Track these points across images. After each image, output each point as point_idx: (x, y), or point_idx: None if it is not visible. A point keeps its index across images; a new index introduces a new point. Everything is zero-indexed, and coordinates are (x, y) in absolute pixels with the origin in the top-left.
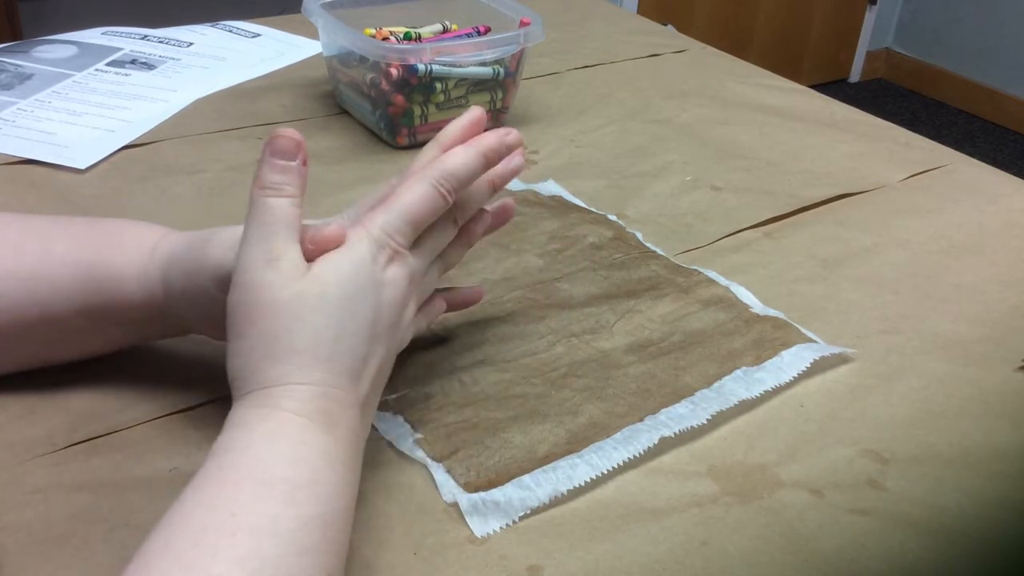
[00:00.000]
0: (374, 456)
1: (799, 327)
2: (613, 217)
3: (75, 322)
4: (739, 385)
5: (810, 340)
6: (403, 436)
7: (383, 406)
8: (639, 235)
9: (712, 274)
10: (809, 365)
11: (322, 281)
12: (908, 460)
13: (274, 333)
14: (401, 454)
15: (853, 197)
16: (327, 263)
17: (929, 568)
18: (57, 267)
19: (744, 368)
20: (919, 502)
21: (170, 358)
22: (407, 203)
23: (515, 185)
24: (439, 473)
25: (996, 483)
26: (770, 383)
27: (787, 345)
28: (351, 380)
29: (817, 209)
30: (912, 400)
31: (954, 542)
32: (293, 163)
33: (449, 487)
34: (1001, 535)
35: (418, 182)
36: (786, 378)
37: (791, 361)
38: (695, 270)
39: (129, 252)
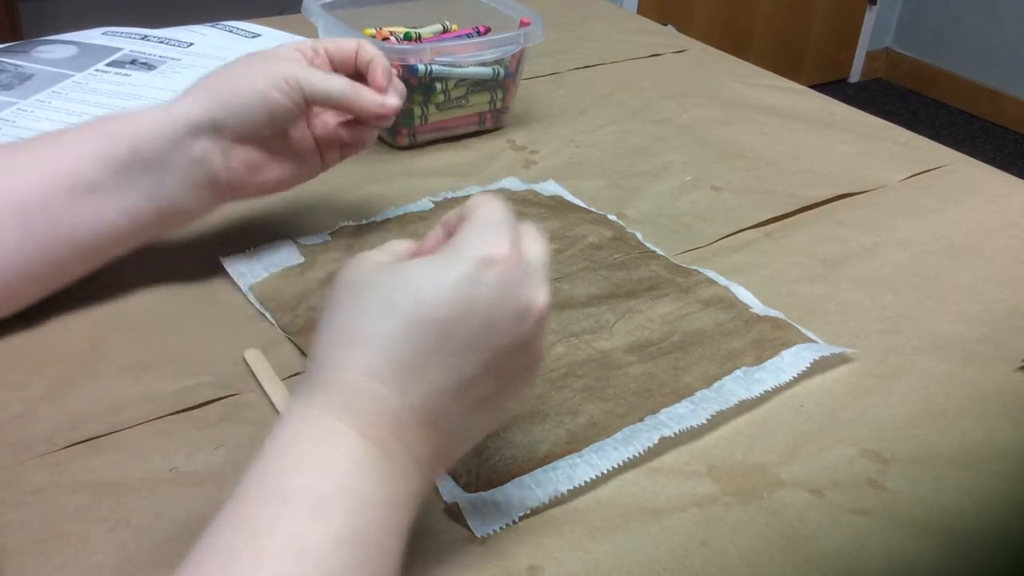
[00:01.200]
0: None
1: (799, 327)
2: (613, 217)
3: (97, 176)
4: (739, 385)
5: (810, 340)
6: None
7: None
8: (639, 235)
9: (712, 274)
10: (809, 365)
11: (404, 273)
12: (908, 460)
13: (340, 323)
14: None
15: (853, 197)
16: (423, 261)
17: (929, 568)
18: (75, 135)
19: (744, 368)
20: (919, 502)
21: (170, 358)
22: (488, 210)
23: (515, 185)
24: (439, 474)
25: (996, 483)
26: (770, 383)
27: (787, 345)
28: (405, 379)
29: (817, 209)
30: (912, 400)
31: (954, 542)
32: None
33: (449, 487)
34: (1001, 535)
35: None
36: (786, 378)
37: (791, 361)
38: (695, 270)
39: (144, 110)
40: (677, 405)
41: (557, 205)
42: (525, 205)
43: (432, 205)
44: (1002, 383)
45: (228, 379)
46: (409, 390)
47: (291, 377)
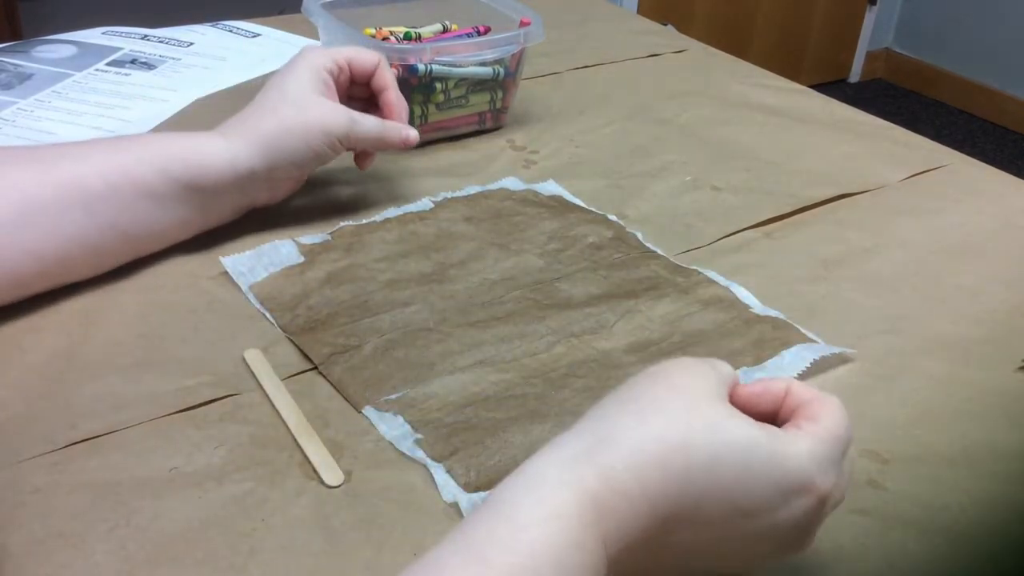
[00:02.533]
0: (374, 456)
1: (799, 327)
2: (613, 217)
3: (160, 187)
4: None
5: (810, 340)
6: (403, 436)
7: (383, 406)
8: (639, 235)
9: (712, 274)
10: (809, 365)
11: (743, 431)
12: (908, 460)
13: (657, 407)
14: (401, 454)
15: (853, 197)
16: (755, 430)
17: (929, 568)
18: (139, 144)
19: (744, 368)
20: (919, 502)
21: (170, 358)
22: (842, 438)
23: (515, 185)
24: (439, 473)
25: (996, 483)
26: None
27: (787, 345)
28: (666, 528)
29: (817, 209)
30: (912, 400)
31: (954, 542)
32: None
33: (449, 487)
34: (1001, 535)
35: (837, 409)
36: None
37: (791, 361)
38: (695, 270)
39: (204, 140)
40: None
41: (557, 205)
42: (525, 205)
43: (432, 205)
44: (1002, 383)
45: (228, 379)
46: (665, 530)
47: (291, 377)
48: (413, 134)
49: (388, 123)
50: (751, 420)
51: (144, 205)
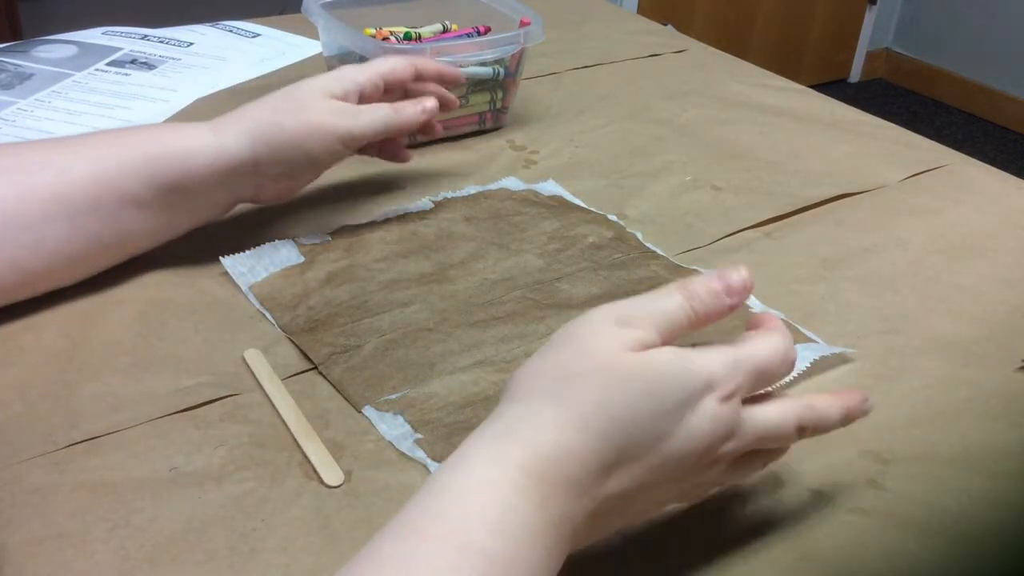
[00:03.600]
0: (374, 456)
1: (799, 327)
2: (613, 217)
3: (145, 196)
4: None
5: (810, 340)
6: (403, 436)
7: (383, 406)
8: (639, 235)
9: None
10: (809, 365)
11: (650, 364)
12: (908, 460)
13: (570, 380)
14: (401, 454)
15: (853, 197)
16: (665, 356)
17: (929, 568)
18: (123, 147)
19: None
20: (919, 502)
21: (170, 358)
22: (758, 355)
23: (515, 185)
24: None
25: (996, 483)
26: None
27: None
28: (600, 471)
29: (817, 209)
30: (912, 400)
31: (954, 542)
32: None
33: None
34: (1001, 535)
35: (776, 338)
36: (786, 378)
37: None
38: (695, 270)
39: (190, 135)
40: None
41: (557, 205)
42: (525, 205)
43: (432, 205)
44: (1002, 383)
45: (228, 379)
46: (601, 484)
47: (291, 377)
48: (430, 103)
49: (400, 104)
50: (664, 347)
51: (129, 214)
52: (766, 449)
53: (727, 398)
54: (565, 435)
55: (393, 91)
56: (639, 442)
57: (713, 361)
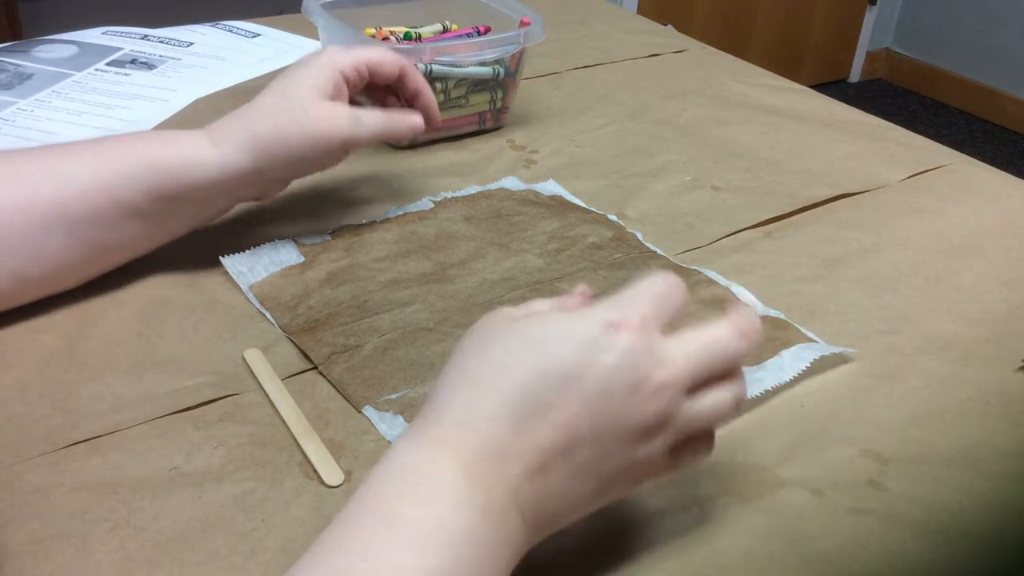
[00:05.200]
0: (374, 456)
1: (799, 327)
2: (613, 217)
3: (147, 207)
4: None
5: (810, 340)
6: None
7: (383, 406)
8: (639, 235)
9: (712, 274)
10: (809, 365)
11: (532, 319)
12: (908, 460)
13: (457, 353)
14: None
15: (853, 197)
16: (550, 313)
17: (929, 568)
18: (123, 157)
19: (744, 368)
20: (919, 502)
21: (170, 358)
22: (653, 287)
23: (515, 185)
24: None
25: (996, 483)
26: (770, 383)
27: (787, 345)
28: (513, 422)
29: (817, 209)
30: (912, 400)
31: (954, 542)
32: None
33: None
34: (1001, 535)
35: (666, 276)
36: (786, 378)
37: (791, 361)
38: (695, 270)
39: (191, 147)
40: None
41: (557, 205)
42: (525, 205)
43: (432, 205)
44: (1002, 383)
45: (228, 379)
46: (520, 435)
47: (291, 377)
48: (416, 122)
49: (394, 115)
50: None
51: (129, 223)
52: (705, 430)
53: (635, 329)
54: (460, 395)
55: (377, 85)
56: (542, 386)
57: (604, 306)
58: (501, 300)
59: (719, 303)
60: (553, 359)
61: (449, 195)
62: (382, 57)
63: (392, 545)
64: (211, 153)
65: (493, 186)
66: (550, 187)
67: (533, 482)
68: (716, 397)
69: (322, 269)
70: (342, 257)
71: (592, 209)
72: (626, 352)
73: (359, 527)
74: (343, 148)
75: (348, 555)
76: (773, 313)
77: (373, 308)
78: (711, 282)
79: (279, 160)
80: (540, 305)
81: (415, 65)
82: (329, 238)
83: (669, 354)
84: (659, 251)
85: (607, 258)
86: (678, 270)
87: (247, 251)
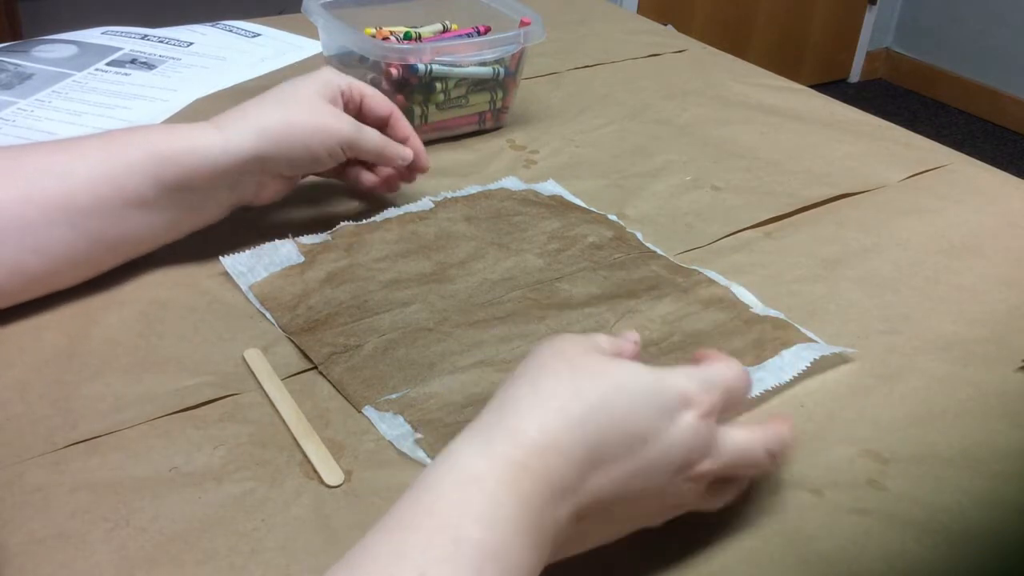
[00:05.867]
0: (374, 456)
1: (799, 327)
2: (613, 217)
3: (149, 195)
4: None
5: (810, 340)
6: (404, 436)
7: (383, 406)
8: (639, 235)
9: (712, 274)
10: (809, 365)
11: (622, 366)
12: (908, 460)
13: (545, 375)
14: (401, 454)
15: (853, 197)
16: (636, 366)
17: (929, 568)
18: (127, 147)
19: (746, 367)
20: (919, 502)
21: (170, 358)
22: (727, 376)
23: (515, 185)
24: None
25: (996, 483)
26: (770, 382)
27: (787, 345)
28: (581, 464)
29: (817, 209)
30: (912, 400)
31: (954, 542)
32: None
33: None
34: (1001, 535)
35: (736, 367)
36: (786, 377)
37: (791, 361)
38: (695, 270)
39: (195, 134)
40: None
41: (557, 205)
42: (525, 205)
43: (432, 204)
44: (1002, 383)
45: (228, 379)
46: (583, 479)
47: (291, 377)
48: (409, 154)
49: (390, 141)
50: (633, 362)
51: (132, 214)
52: (736, 476)
53: (705, 415)
54: (546, 420)
55: (366, 119)
56: (617, 440)
57: (685, 379)
58: (501, 300)
59: (718, 303)
60: (635, 418)
61: (449, 195)
62: (374, 92)
63: (455, 563)
64: (214, 137)
65: (493, 186)
66: (550, 187)
67: (572, 525)
68: (728, 490)
69: (322, 269)
70: (342, 257)
71: (592, 209)
72: (690, 433)
73: (421, 532)
74: (342, 146)
75: (407, 559)
76: (773, 313)
77: (373, 308)
78: (711, 282)
79: (282, 147)
80: (604, 341)
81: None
82: (329, 238)
83: (716, 447)
84: (659, 251)
85: (607, 258)
86: (678, 270)
87: (247, 251)
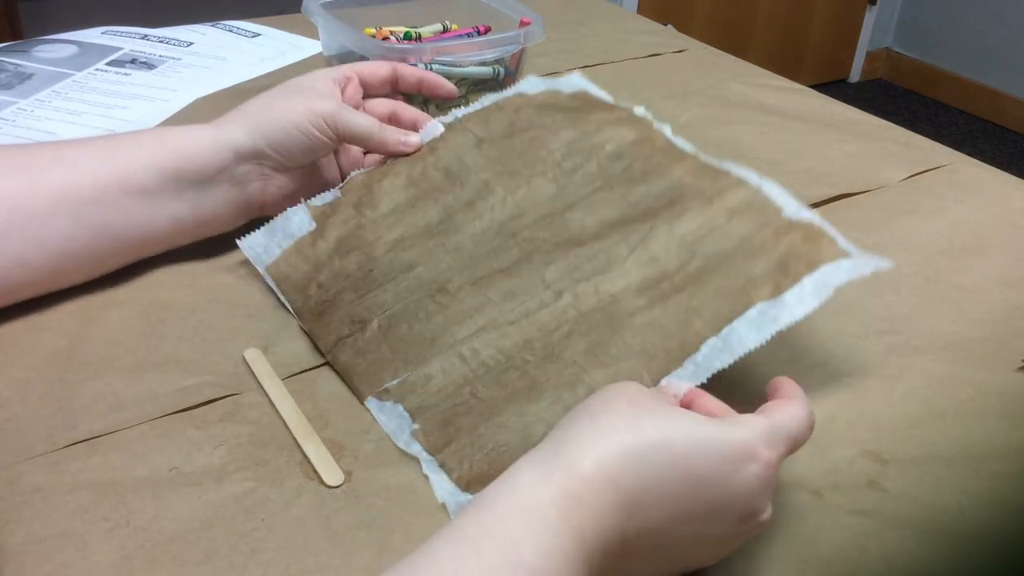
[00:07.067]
0: (374, 456)
1: (833, 235)
2: (640, 110)
3: (150, 183)
4: (750, 329)
5: (842, 253)
6: (401, 428)
7: (384, 395)
8: (668, 129)
9: (744, 172)
10: (831, 293)
11: (683, 412)
12: (908, 460)
13: (607, 411)
14: (401, 454)
15: (853, 197)
16: (699, 416)
17: (929, 568)
18: (134, 139)
19: (759, 306)
20: (919, 502)
21: (170, 358)
22: (791, 428)
23: (535, 86)
24: (433, 470)
25: (996, 483)
26: (785, 321)
27: (813, 267)
28: (634, 500)
29: (817, 209)
30: (912, 400)
31: (954, 542)
32: None
33: (442, 485)
34: (1001, 535)
35: (803, 407)
36: (800, 314)
37: (812, 291)
38: (724, 171)
39: (193, 128)
40: (679, 370)
41: (579, 106)
42: (541, 113)
43: (443, 128)
44: (1002, 383)
45: (228, 379)
46: (631, 518)
47: (291, 377)
48: (413, 140)
49: (388, 127)
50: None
51: (134, 205)
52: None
53: (770, 468)
54: (603, 454)
55: (375, 95)
56: (676, 479)
57: (751, 432)
58: (507, 247)
59: (747, 210)
60: (697, 462)
61: (460, 113)
62: (372, 66)
63: None
64: (208, 129)
65: (510, 92)
66: (575, 81)
67: (620, 559)
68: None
69: (332, 235)
70: (351, 216)
71: (618, 104)
72: (755, 485)
73: (482, 550)
74: (327, 121)
75: (467, 574)
76: (806, 216)
77: (378, 278)
78: (740, 183)
79: (267, 130)
80: (674, 387)
81: (415, 64)
82: (339, 194)
83: (772, 498)
84: (687, 148)
85: (625, 171)
86: (704, 173)
87: (261, 228)
